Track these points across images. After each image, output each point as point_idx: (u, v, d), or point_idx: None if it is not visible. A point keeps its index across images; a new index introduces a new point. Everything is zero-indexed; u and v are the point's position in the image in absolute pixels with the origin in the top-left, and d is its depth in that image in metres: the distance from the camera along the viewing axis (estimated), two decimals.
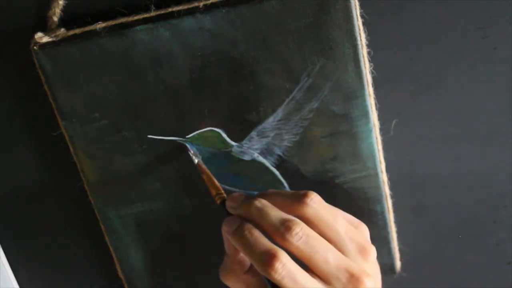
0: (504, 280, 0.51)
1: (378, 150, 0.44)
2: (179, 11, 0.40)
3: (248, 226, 0.35)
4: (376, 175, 0.44)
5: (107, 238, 0.46)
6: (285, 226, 0.34)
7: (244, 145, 0.43)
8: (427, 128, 0.46)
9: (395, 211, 0.47)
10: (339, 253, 0.35)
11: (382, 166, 0.44)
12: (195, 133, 0.43)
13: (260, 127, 0.43)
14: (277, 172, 0.44)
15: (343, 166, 0.44)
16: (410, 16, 0.42)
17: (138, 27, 0.40)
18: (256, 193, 0.40)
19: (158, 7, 0.40)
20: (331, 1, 0.39)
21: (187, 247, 0.47)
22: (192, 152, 0.42)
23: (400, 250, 0.48)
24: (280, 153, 0.43)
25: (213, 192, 0.41)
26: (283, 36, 0.40)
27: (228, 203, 0.38)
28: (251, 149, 0.43)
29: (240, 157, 0.43)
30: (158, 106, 0.42)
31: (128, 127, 0.43)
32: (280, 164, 0.44)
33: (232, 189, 0.44)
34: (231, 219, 0.37)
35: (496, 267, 0.51)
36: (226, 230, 0.37)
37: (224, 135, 0.43)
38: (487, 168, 0.47)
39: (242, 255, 0.37)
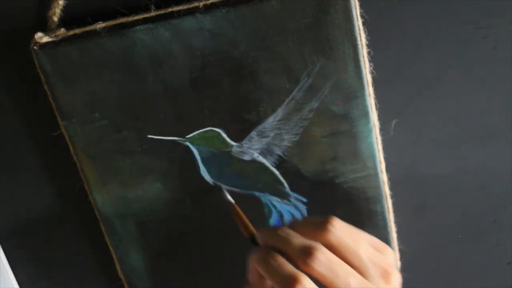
0: (504, 280, 0.51)
1: (378, 150, 0.44)
2: (179, 11, 0.40)
3: (273, 253, 0.37)
4: (376, 175, 0.44)
5: (107, 238, 0.46)
6: (307, 252, 0.36)
7: (244, 145, 0.43)
8: (427, 128, 0.46)
9: (395, 211, 0.47)
10: (361, 277, 0.36)
11: (382, 166, 0.44)
12: (195, 133, 0.43)
13: (260, 127, 0.43)
14: (277, 172, 0.44)
15: (343, 166, 0.44)
16: (410, 16, 0.42)
17: (138, 27, 0.40)
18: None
19: (158, 7, 0.40)
20: (331, 1, 0.39)
21: (187, 247, 0.47)
22: (227, 193, 0.43)
23: (400, 250, 0.48)
24: (280, 153, 0.43)
25: (246, 234, 0.41)
26: (283, 36, 0.40)
27: (258, 236, 0.40)
28: (251, 149, 0.43)
29: (240, 157, 0.43)
30: (158, 106, 0.42)
31: (128, 127, 0.43)
32: (280, 164, 0.44)
33: (232, 189, 0.44)
34: (257, 249, 0.38)
35: (496, 267, 0.51)
36: (252, 259, 0.38)
37: (224, 135, 0.43)
38: (487, 168, 0.47)
39: (265, 286, 0.39)
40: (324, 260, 0.35)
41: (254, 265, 0.38)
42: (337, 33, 0.40)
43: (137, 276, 0.48)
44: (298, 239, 0.37)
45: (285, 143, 0.43)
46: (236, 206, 0.42)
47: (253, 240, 0.40)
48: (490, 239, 0.50)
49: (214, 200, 0.45)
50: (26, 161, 0.46)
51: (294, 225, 0.38)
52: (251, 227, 0.41)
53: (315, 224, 0.38)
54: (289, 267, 0.36)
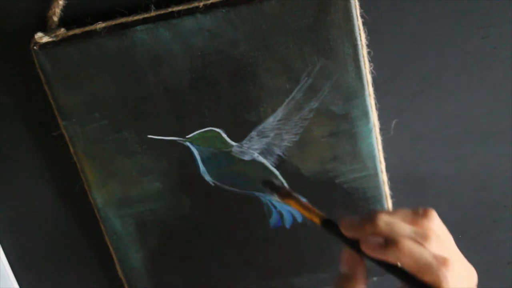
0: (504, 280, 0.51)
1: (378, 150, 0.44)
2: (179, 11, 0.40)
3: (410, 237, 0.34)
4: (376, 175, 0.44)
5: (107, 238, 0.46)
6: (421, 235, 0.35)
7: (244, 145, 0.43)
8: (427, 128, 0.46)
9: None
10: None
11: (382, 166, 0.44)
12: (195, 133, 0.43)
13: (260, 127, 0.43)
14: (277, 172, 0.44)
15: (343, 166, 0.44)
16: (410, 16, 0.42)
17: (138, 27, 0.40)
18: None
19: (158, 7, 0.40)
20: (331, 1, 0.39)
21: (187, 247, 0.47)
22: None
23: None
24: (280, 153, 0.43)
25: (315, 218, 0.39)
26: (283, 36, 0.40)
27: (344, 224, 0.37)
28: (251, 149, 0.43)
29: (240, 157, 0.43)
30: (158, 106, 0.42)
31: (128, 127, 0.43)
32: (280, 164, 0.44)
33: (232, 189, 0.44)
34: (373, 237, 0.36)
35: (496, 267, 0.51)
36: (371, 247, 0.35)
37: (224, 135, 0.43)
38: (487, 168, 0.47)
39: (363, 275, 0.37)
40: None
41: (371, 252, 0.35)
42: (337, 33, 0.40)
43: (137, 276, 0.48)
44: (405, 224, 0.35)
45: (285, 143, 0.43)
46: (294, 194, 0.41)
47: (325, 226, 0.38)
48: (490, 239, 0.50)
49: (214, 200, 0.45)
50: (26, 161, 0.46)
51: (380, 216, 0.36)
52: (317, 210, 0.39)
53: (409, 215, 0.36)
54: (427, 250, 0.34)
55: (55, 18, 0.41)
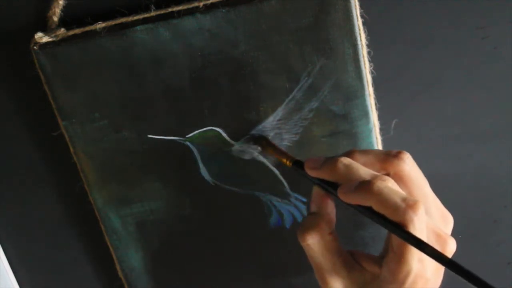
0: (504, 280, 0.51)
1: None
2: (179, 11, 0.40)
3: (383, 178, 0.34)
4: None
5: (107, 238, 0.46)
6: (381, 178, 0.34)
7: (244, 144, 0.43)
8: (427, 128, 0.46)
9: None
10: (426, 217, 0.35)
11: None
12: (195, 132, 0.43)
13: (260, 127, 0.43)
14: (277, 172, 0.44)
15: None
16: (410, 16, 0.42)
17: (138, 27, 0.40)
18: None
19: (158, 7, 0.40)
20: (331, 1, 0.39)
21: (187, 247, 0.47)
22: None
23: None
24: None
25: (284, 160, 0.40)
26: (283, 36, 0.40)
27: (308, 165, 0.38)
28: (251, 149, 0.43)
29: (240, 157, 0.43)
30: (158, 106, 0.42)
31: (128, 127, 0.43)
32: (280, 164, 0.44)
33: (232, 189, 0.44)
34: (347, 183, 0.35)
35: (496, 267, 0.51)
36: (344, 191, 0.35)
37: (224, 135, 0.43)
38: (487, 168, 0.47)
39: (331, 214, 0.37)
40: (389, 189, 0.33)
41: (344, 197, 0.35)
42: (337, 33, 0.40)
43: (137, 276, 0.48)
44: (364, 169, 0.35)
45: (285, 143, 0.43)
46: (268, 138, 0.42)
47: (297, 167, 0.39)
48: (490, 239, 0.50)
49: (214, 200, 0.45)
50: (26, 161, 0.46)
51: (355, 155, 0.37)
52: (288, 154, 0.40)
53: (385, 154, 0.36)
54: (399, 190, 0.34)
55: (55, 18, 0.41)
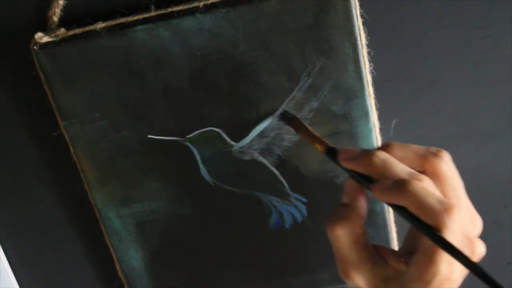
0: (504, 280, 0.51)
1: None
2: (179, 11, 0.40)
3: (420, 177, 0.33)
4: None
5: (107, 238, 0.46)
6: (419, 176, 0.34)
7: (244, 145, 0.43)
8: (427, 128, 0.46)
9: None
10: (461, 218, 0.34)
11: None
12: (195, 133, 0.43)
13: (260, 127, 0.43)
14: (277, 172, 0.44)
15: None
16: (410, 16, 0.42)
17: (138, 27, 0.40)
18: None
19: (158, 7, 0.40)
20: (331, 1, 0.39)
21: (187, 247, 0.47)
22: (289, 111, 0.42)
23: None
24: (280, 153, 0.43)
25: (317, 146, 0.39)
26: (283, 36, 0.40)
27: (342, 155, 0.37)
28: (251, 149, 0.43)
29: (240, 157, 0.43)
30: (158, 106, 0.42)
31: (128, 127, 0.43)
32: (280, 164, 0.44)
33: (232, 189, 0.44)
34: (382, 181, 0.34)
35: (496, 267, 0.51)
36: (379, 189, 0.34)
37: (224, 135, 0.43)
38: (487, 168, 0.47)
39: (364, 208, 0.37)
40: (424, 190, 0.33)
41: (379, 195, 0.34)
42: (337, 33, 0.40)
43: (137, 276, 0.48)
44: (401, 165, 0.34)
45: (285, 143, 0.43)
46: (302, 120, 0.41)
47: (330, 155, 0.38)
48: (490, 239, 0.50)
49: (214, 200, 0.45)
50: (26, 161, 0.46)
51: (394, 148, 0.36)
52: (322, 138, 0.39)
53: (424, 150, 0.35)
54: (435, 192, 0.33)
55: (55, 18, 0.41)
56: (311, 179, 0.44)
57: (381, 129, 0.44)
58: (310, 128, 0.40)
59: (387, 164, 0.35)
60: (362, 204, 0.37)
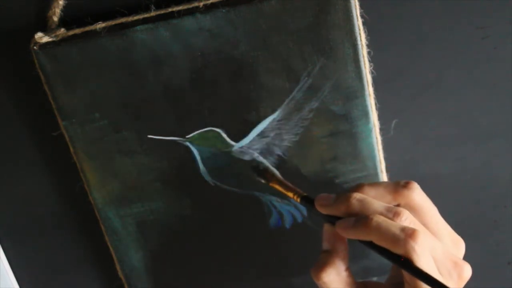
0: (504, 280, 0.51)
1: (378, 150, 0.44)
2: (179, 11, 0.40)
3: (399, 212, 0.34)
4: (376, 175, 0.44)
5: (107, 238, 0.46)
6: (393, 213, 0.34)
7: (244, 145, 0.43)
8: (427, 128, 0.46)
9: None
10: (440, 242, 0.35)
11: (382, 166, 0.44)
12: (195, 133, 0.43)
13: (260, 127, 0.43)
14: (277, 172, 0.44)
15: (343, 166, 0.44)
16: (410, 16, 0.42)
17: (138, 27, 0.40)
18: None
19: (158, 7, 0.40)
20: (331, 1, 0.39)
21: (187, 247, 0.47)
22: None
23: None
24: (280, 153, 0.43)
25: (291, 194, 0.41)
26: (283, 36, 0.40)
27: (319, 202, 0.38)
28: (251, 149, 0.43)
29: (240, 157, 0.43)
30: (158, 106, 0.42)
31: (128, 127, 0.43)
32: (280, 164, 0.44)
33: (232, 189, 0.44)
34: (345, 219, 0.36)
35: (496, 267, 0.51)
36: (343, 226, 0.35)
37: (224, 135, 0.43)
38: (487, 168, 0.47)
39: (345, 251, 0.37)
40: (410, 222, 0.34)
41: (344, 232, 0.35)
42: (337, 33, 0.40)
43: (137, 276, 0.48)
44: (378, 203, 0.35)
45: (285, 143, 0.43)
46: (275, 172, 0.42)
47: (305, 202, 0.39)
48: (490, 239, 0.50)
49: (214, 200, 0.45)
50: (26, 161, 0.46)
51: (365, 189, 0.37)
52: (296, 189, 0.41)
53: (395, 185, 0.36)
54: (397, 222, 0.34)
55: (55, 18, 0.41)
56: (311, 179, 0.44)
57: (381, 129, 0.44)
58: (283, 179, 0.42)
59: (365, 204, 0.35)
60: (344, 247, 0.37)
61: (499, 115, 0.46)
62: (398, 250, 0.33)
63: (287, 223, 0.46)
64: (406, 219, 0.34)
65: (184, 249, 0.47)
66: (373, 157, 0.43)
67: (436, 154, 0.47)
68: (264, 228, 0.46)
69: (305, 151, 0.43)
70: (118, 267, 0.48)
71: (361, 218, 0.34)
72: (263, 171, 0.43)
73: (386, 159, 0.45)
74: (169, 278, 0.48)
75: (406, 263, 0.33)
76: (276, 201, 0.45)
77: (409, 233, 0.33)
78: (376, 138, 0.43)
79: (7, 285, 0.49)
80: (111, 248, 0.47)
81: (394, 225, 0.33)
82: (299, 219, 0.46)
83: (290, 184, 0.42)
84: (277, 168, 0.44)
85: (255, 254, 0.47)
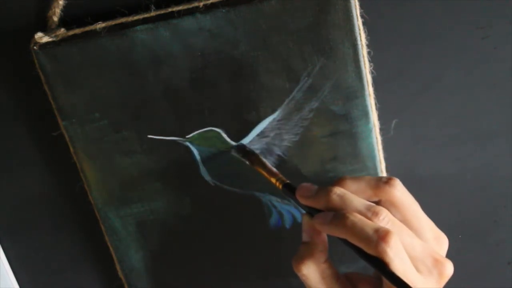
0: (504, 280, 0.51)
1: (378, 150, 0.44)
2: (179, 11, 0.40)
3: (347, 212, 0.34)
4: (376, 175, 0.44)
5: (107, 238, 0.46)
6: (372, 211, 0.34)
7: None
8: (427, 128, 0.46)
9: None
10: (419, 239, 0.35)
11: (382, 166, 0.44)
12: (195, 133, 0.43)
13: (260, 127, 0.43)
14: (262, 157, 0.44)
15: (343, 166, 0.44)
16: (410, 16, 0.42)
17: (138, 27, 0.40)
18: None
19: (158, 7, 0.40)
20: (331, 1, 0.39)
21: (187, 247, 0.47)
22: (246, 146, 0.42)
23: None
24: (280, 153, 0.43)
25: (273, 180, 0.40)
26: (283, 36, 0.40)
27: (300, 193, 0.38)
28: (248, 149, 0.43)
29: (240, 157, 0.43)
30: (158, 106, 0.42)
31: (128, 127, 0.43)
32: (280, 164, 0.44)
33: (232, 189, 0.44)
34: (323, 213, 0.36)
35: (496, 267, 0.51)
36: (320, 222, 0.35)
37: (224, 135, 0.43)
38: (487, 168, 0.47)
39: (324, 243, 0.37)
40: (388, 220, 0.34)
41: (320, 227, 0.36)
42: (337, 33, 0.40)
43: (137, 276, 0.48)
44: (358, 199, 0.35)
45: (285, 143, 0.43)
46: (259, 156, 0.42)
47: (287, 190, 0.39)
48: (490, 239, 0.50)
49: (214, 200, 0.45)
50: (26, 161, 0.46)
51: (347, 183, 0.37)
52: (279, 174, 0.40)
53: (376, 181, 0.37)
54: (373, 222, 0.34)
55: (55, 18, 0.41)
56: (311, 179, 0.44)
57: (381, 129, 0.44)
58: (267, 162, 0.42)
59: (344, 200, 0.36)
60: (323, 239, 0.37)
61: (499, 115, 0.46)
62: (370, 251, 0.33)
63: (287, 223, 0.46)
64: (384, 219, 0.34)
65: (184, 249, 0.47)
66: (373, 157, 0.43)
67: (436, 154, 0.47)
68: (264, 228, 0.46)
69: (305, 151, 0.43)
70: (118, 267, 0.48)
71: (338, 215, 0.34)
72: (248, 153, 0.43)
73: (386, 159, 0.45)
74: (169, 278, 0.48)
75: (378, 264, 0.33)
76: (276, 201, 0.45)
77: (382, 235, 0.33)
78: (376, 138, 0.43)
79: (7, 285, 0.49)
80: (111, 248, 0.47)
81: (368, 226, 0.33)
82: (299, 219, 0.46)
83: (274, 169, 0.41)
84: (277, 168, 0.44)
85: (255, 254, 0.47)
